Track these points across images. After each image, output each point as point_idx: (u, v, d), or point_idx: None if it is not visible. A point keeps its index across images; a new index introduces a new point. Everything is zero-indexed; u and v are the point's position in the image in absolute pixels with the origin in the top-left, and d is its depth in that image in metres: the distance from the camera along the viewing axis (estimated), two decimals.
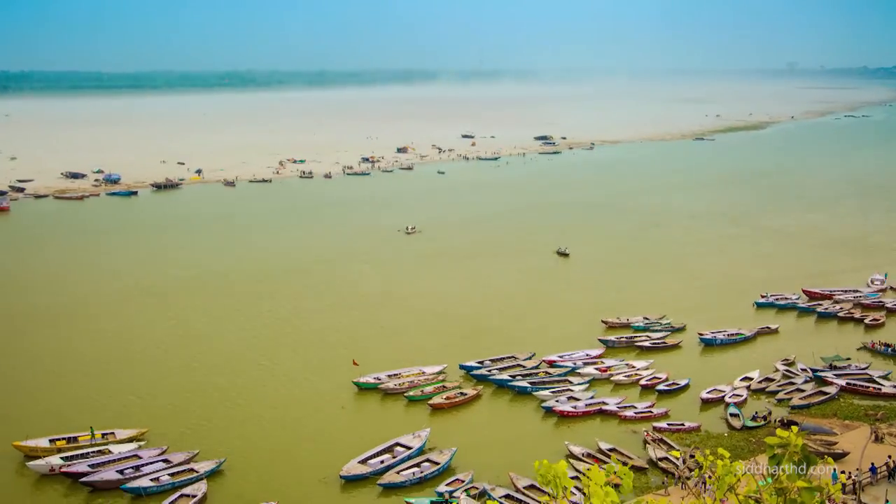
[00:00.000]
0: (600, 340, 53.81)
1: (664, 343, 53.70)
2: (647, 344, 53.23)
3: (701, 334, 54.66)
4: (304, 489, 36.01)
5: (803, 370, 48.51)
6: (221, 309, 61.28)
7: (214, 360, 50.89)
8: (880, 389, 45.77)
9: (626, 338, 54.40)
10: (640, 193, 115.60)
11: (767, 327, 56.78)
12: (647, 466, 37.14)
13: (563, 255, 77.12)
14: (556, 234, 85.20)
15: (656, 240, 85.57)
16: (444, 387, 46.38)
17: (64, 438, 39.46)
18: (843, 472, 34.62)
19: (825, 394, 45.12)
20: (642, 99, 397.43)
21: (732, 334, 54.72)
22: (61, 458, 37.75)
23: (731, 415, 42.68)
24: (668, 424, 41.73)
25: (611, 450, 38.83)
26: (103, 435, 40.01)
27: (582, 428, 41.99)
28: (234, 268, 73.34)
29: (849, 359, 50.25)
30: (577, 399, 44.74)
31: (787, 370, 48.52)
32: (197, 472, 36.64)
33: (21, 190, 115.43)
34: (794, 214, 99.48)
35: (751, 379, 47.22)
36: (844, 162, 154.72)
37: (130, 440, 39.83)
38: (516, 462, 36.97)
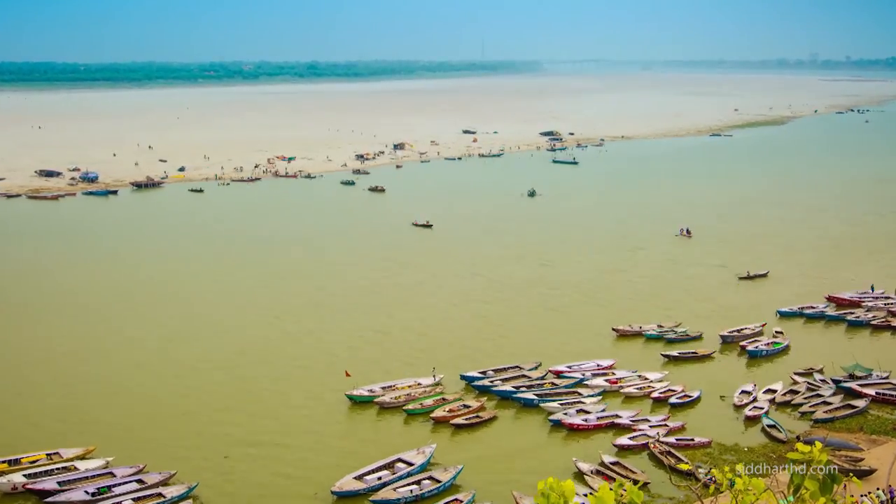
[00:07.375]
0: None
1: (695, 353, 53.61)
2: (674, 353, 53.25)
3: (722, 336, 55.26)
4: None
5: (823, 381, 48.42)
6: (202, 316, 61.21)
7: (198, 371, 50.73)
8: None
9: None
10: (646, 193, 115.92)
11: (777, 332, 57.01)
12: (650, 481, 36.72)
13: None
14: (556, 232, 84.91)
15: (664, 241, 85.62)
16: (443, 399, 46.30)
17: (5, 461, 38.04)
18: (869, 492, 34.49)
19: (853, 407, 44.96)
20: (655, 92, 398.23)
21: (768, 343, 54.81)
22: (24, 475, 36.86)
23: (769, 426, 42.51)
24: (677, 440, 41.51)
25: (614, 464, 38.67)
26: (48, 455, 38.89)
27: (592, 443, 41.83)
28: (219, 271, 73.37)
29: (871, 369, 49.97)
30: (588, 412, 44.65)
31: (809, 382, 48.41)
32: (165, 497, 35.88)
33: None
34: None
35: (774, 391, 47.10)
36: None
37: (78, 459, 38.58)
38: (522, 480, 36.84)
